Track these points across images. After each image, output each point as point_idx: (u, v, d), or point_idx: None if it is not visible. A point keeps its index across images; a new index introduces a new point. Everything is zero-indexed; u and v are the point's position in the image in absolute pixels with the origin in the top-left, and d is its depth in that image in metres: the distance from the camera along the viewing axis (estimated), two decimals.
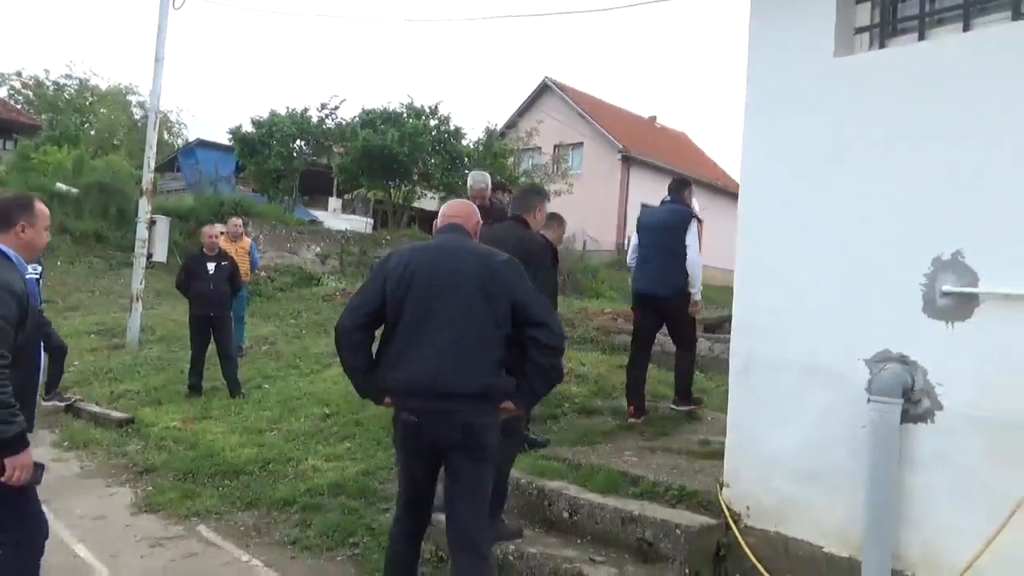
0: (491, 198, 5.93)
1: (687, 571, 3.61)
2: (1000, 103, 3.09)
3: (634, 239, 5.98)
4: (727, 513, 3.77)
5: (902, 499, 3.23)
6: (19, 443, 2.62)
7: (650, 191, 31.16)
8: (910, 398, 3.24)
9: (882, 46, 3.63)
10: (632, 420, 5.58)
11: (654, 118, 37.52)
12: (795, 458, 3.59)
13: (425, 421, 2.91)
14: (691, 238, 5.57)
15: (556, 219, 5.15)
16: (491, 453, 3.04)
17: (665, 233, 5.64)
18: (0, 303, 2.59)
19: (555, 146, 29.81)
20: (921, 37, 3.50)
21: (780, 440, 3.65)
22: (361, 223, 23.75)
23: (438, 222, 3.31)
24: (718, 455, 4.61)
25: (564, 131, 29.80)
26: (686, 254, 5.53)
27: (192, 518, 4.68)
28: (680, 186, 5.99)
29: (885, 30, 3.63)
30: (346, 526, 4.34)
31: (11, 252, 2.80)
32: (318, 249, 18.09)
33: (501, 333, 2.94)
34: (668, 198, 5.98)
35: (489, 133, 23.25)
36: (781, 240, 3.73)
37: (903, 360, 3.29)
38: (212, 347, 7.80)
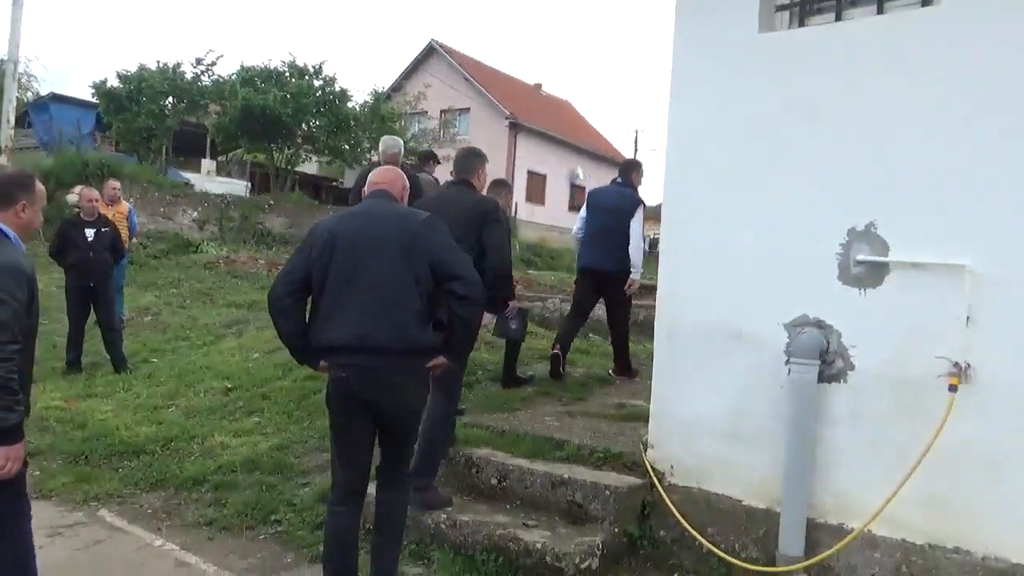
0: (405, 164, 5.80)
1: (616, 530, 3.73)
2: (910, 83, 3.30)
3: (582, 215, 6.22)
4: (652, 473, 3.92)
5: (816, 453, 3.46)
6: (17, 433, 2.55)
7: (537, 158, 31.57)
8: (825, 359, 3.46)
9: (802, 24, 3.79)
10: (554, 352, 5.94)
11: (539, 85, 37.77)
12: (718, 419, 3.77)
13: (354, 378, 3.01)
14: (636, 224, 5.87)
15: (504, 186, 5.39)
16: (419, 407, 3.27)
17: (614, 215, 5.90)
18: (11, 285, 2.53)
19: (442, 111, 29.48)
20: (838, 17, 3.68)
21: (703, 402, 3.82)
22: (239, 187, 22.62)
23: (366, 189, 3.39)
24: (635, 417, 4.80)
25: (451, 96, 29.50)
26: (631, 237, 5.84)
27: (91, 503, 4.37)
28: (630, 168, 6.33)
29: (805, 8, 3.79)
30: (266, 503, 4.19)
31: (11, 232, 2.71)
32: (195, 214, 17.12)
33: (422, 288, 3.05)
34: (618, 180, 6.24)
35: (376, 96, 22.64)
36: (705, 211, 3.86)
37: (819, 324, 3.50)
38: (90, 320, 7.25)
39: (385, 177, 3.39)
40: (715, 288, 3.81)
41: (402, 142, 5.95)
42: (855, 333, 3.42)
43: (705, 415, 3.81)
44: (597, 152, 34.80)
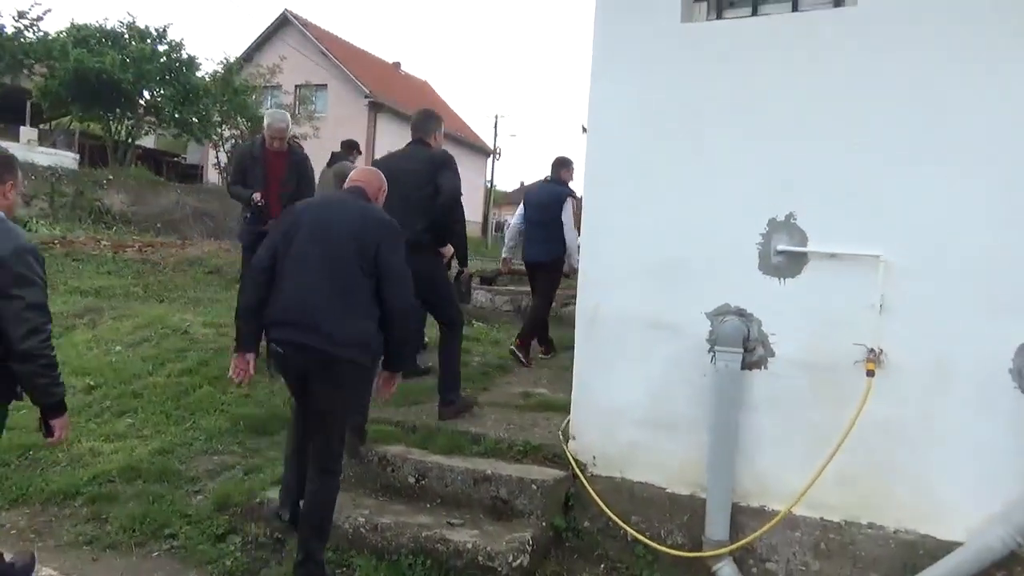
0: (294, 141, 5.41)
1: (543, 524, 3.67)
2: (824, 79, 3.42)
3: (519, 212, 6.69)
4: (573, 464, 3.89)
5: (738, 438, 3.56)
6: (64, 405, 2.86)
7: (398, 140, 30.76)
8: (747, 347, 3.55)
9: (719, 16, 3.84)
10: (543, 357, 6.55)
11: (398, 64, 37.00)
12: (640, 408, 3.79)
13: (288, 352, 3.18)
14: (566, 215, 6.24)
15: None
16: (347, 400, 3.34)
17: (541, 211, 6.37)
18: (35, 265, 2.65)
19: (297, 86, 28.10)
20: (754, 12, 3.75)
21: (625, 391, 3.82)
22: (67, 159, 20.54)
23: (346, 184, 3.61)
24: (545, 407, 4.77)
25: (307, 71, 28.20)
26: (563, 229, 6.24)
27: None
28: (559, 165, 6.61)
29: (722, 1, 3.84)
30: (156, 516, 3.77)
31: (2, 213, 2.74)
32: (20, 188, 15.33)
33: (368, 282, 3.19)
34: (548, 177, 6.66)
35: (228, 66, 21.24)
36: (627, 199, 3.84)
37: (740, 313, 3.58)
38: None
39: (365, 177, 3.60)
40: (637, 276, 3.81)
41: (289, 116, 5.53)
42: (775, 321, 3.53)
43: (627, 403, 3.82)
44: (459, 136, 34.59)
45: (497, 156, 37.47)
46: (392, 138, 30.20)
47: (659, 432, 3.75)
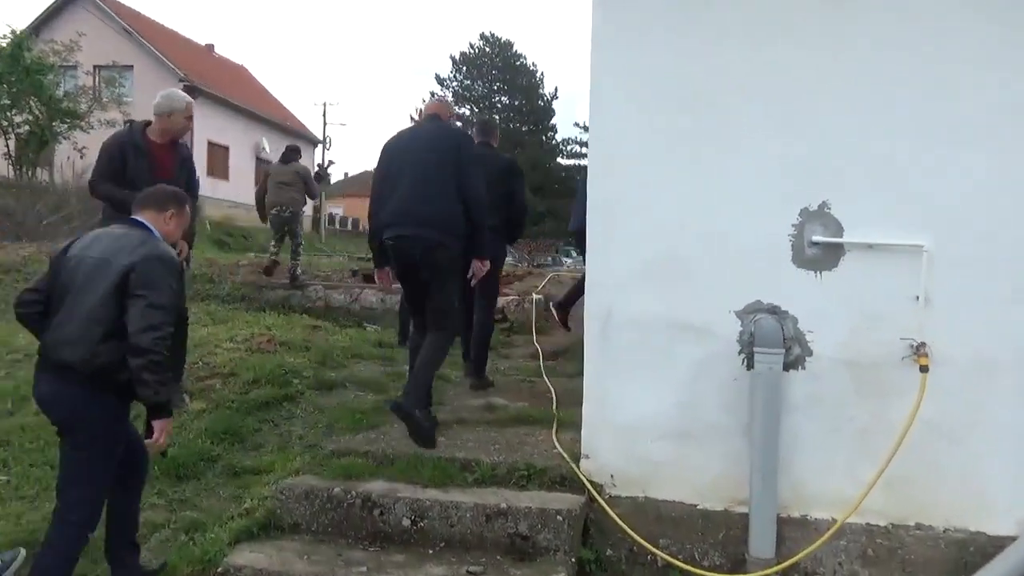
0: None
1: (572, 560, 3.22)
2: (861, 48, 3.23)
3: None
4: (590, 487, 3.47)
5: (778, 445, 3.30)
6: (169, 408, 2.91)
7: (217, 128, 28.54)
8: (783, 346, 3.30)
9: None
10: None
11: (212, 47, 34.18)
12: (664, 419, 3.43)
13: (400, 244, 4.01)
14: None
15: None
16: (449, 268, 4.08)
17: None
18: (166, 274, 2.85)
19: (97, 67, 25.00)
20: None
21: (646, 402, 3.45)
22: None
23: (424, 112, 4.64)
24: (520, 421, 4.32)
25: (108, 50, 25.16)
26: None
27: None
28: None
29: None
30: None
31: (156, 232, 3.03)
32: None
33: (453, 182, 4.01)
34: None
35: (16, 41, 18.32)
36: (639, 190, 3.46)
37: (774, 310, 3.33)
38: None
39: (434, 107, 4.54)
40: (654, 275, 3.44)
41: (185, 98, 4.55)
42: (811, 318, 3.31)
43: (649, 415, 3.45)
44: (283, 124, 32.65)
45: (327, 146, 35.80)
46: (211, 127, 27.94)
47: (687, 444, 3.42)
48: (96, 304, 2.77)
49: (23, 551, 3.10)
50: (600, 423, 3.53)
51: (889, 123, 3.21)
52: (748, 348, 3.33)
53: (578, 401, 3.64)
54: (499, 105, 46.95)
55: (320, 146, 35.65)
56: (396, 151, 4.16)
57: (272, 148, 30.22)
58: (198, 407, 4.57)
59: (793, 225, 3.31)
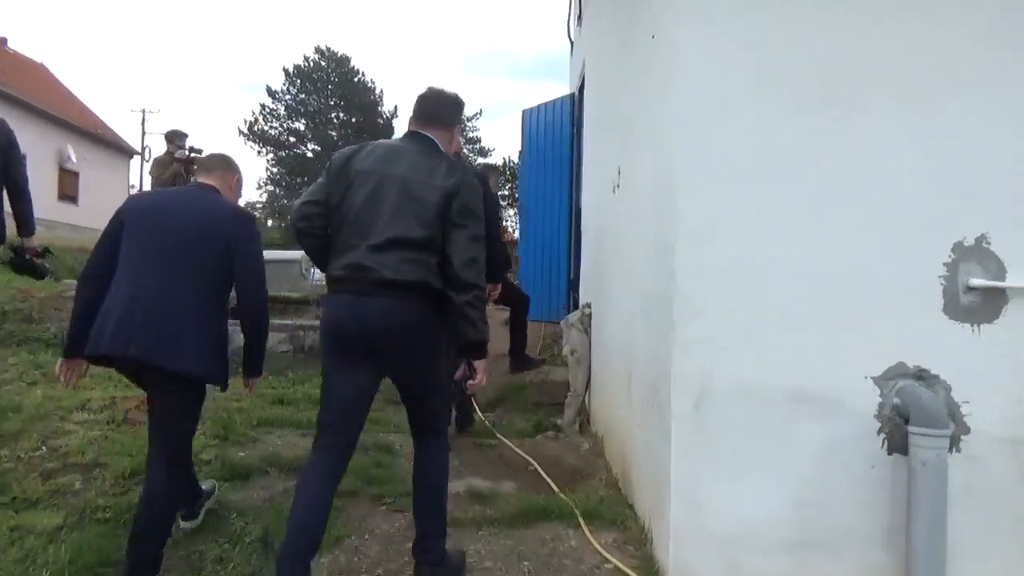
0: None
1: None
2: None
3: None
4: None
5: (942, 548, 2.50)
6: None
7: (9, 121, 24.49)
8: None
9: None
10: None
11: (4, 40, 29.70)
12: (779, 524, 2.54)
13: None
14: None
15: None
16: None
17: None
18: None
19: None
20: None
21: (756, 502, 2.54)
22: None
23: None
24: (527, 516, 3.32)
25: None
26: None
27: None
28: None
29: None
30: None
31: None
32: None
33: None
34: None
35: None
36: (743, 216, 2.57)
37: (921, 375, 2.54)
38: None
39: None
40: (764, 329, 2.56)
41: None
42: (966, 384, 2.55)
43: (760, 520, 2.54)
44: (93, 132, 28.89)
45: (146, 158, 32.12)
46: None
47: (811, 556, 2.54)
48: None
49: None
50: (695, 532, 2.56)
51: None
52: (890, 425, 2.52)
53: (570, 476, 2.71)
54: (335, 121, 44.93)
55: (139, 158, 31.98)
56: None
57: (81, 158, 26.69)
58: (52, 522, 3.07)
59: (944, 264, 2.55)
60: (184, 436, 2.71)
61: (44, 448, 3.65)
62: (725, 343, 2.55)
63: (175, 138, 7.56)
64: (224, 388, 2.72)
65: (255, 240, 2.75)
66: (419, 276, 2.37)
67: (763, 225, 2.55)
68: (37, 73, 30.50)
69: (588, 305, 5.07)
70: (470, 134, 41.21)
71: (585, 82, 6.00)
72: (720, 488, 2.55)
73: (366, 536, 3.06)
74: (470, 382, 2.53)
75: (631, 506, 3.27)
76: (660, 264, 2.77)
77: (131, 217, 2.66)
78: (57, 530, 3.04)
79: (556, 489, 3.56)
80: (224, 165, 2.95)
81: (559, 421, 5.23)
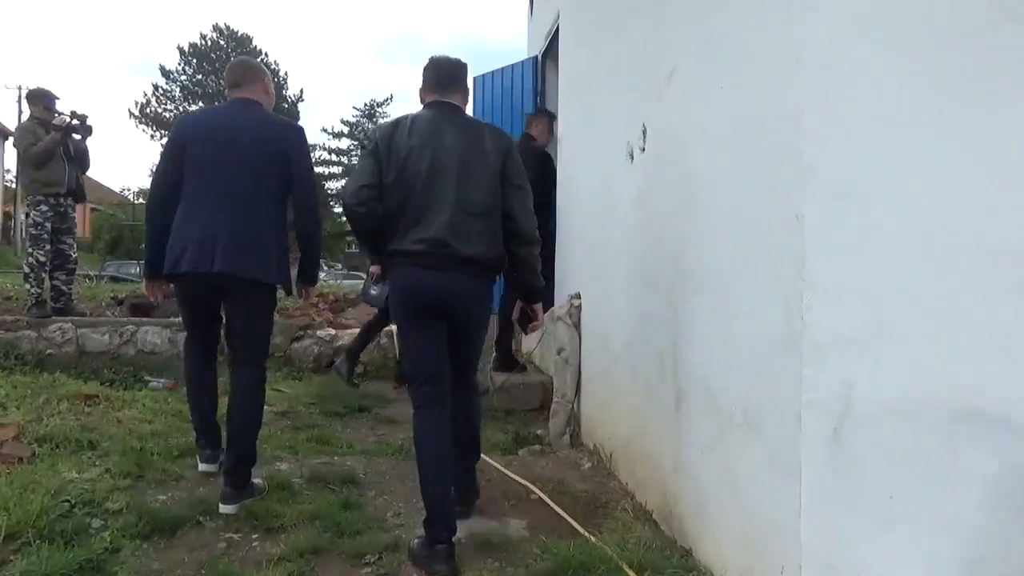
0: None
1: None
2: None
3: None
4: None
5: None
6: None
7: None
8: None
9: None
10: None
11: None
12: None
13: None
14: None
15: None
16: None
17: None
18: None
19: None
20: None
21: (908, 557, 1.87)
22: None
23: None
24: (566, 570, 2.49)
25: None
26: None
27: None
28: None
29: None
30: None
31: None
32: None
33: None
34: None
35: None
36: (899, 180, 1.89)
37: None
38: None
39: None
40: (922, 328, 1.89)
41: None
42: None
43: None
44: None
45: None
46: None
47: None
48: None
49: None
50: None
51: None
52: None
53: (585, 506, 2.14)
54: None
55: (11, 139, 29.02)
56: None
57: None
58: None
59: None
60: (266, 337, 3.07)
61: None
62: (865, 346, 1.86)
63: (41, 99, 5.97)
64: (289, 292, 3.20)
65: (308, 152, 3.10)
66: (488, 251, 2.60)
67: (922, 188, 1.88)
68: None
69: (577, 295, 4.35)
70: (382, 120, 39.87)
71: (560, 41, 5.24)
72: (866, 536, 1.87)
73: None
74: (531, 324, 2.98)
75: (688, 552, 2.57)
76: (763, 239, 2.06)
77: (192, 142, 2.88)
78: None
79: (582, 530, 2.81)
80: (251, 74, 3.07)
81: (541, 432, 4.50)
